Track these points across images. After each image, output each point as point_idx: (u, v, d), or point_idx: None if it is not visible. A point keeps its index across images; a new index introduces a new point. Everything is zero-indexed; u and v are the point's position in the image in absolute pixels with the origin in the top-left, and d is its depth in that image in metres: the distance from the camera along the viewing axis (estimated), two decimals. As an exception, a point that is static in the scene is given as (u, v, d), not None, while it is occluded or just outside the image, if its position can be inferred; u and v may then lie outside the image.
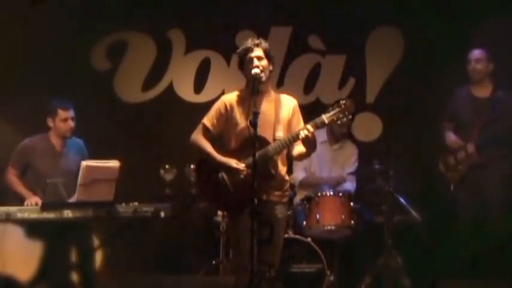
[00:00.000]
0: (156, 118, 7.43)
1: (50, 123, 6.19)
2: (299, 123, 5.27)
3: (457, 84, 6.76)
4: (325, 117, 5.08)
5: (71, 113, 6.17)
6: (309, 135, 5.03)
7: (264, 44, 5.27)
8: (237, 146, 5.24)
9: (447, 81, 6.96)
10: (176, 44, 7.52)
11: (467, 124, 6.53)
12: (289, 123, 5.27)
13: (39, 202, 5.87)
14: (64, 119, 6.15)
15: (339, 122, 5.14)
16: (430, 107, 7.15)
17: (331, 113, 5.08)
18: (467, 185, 6.49)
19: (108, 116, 7.29)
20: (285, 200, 5.33)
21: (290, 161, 5.51)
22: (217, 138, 5.33)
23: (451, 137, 6.63)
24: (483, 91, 6.58)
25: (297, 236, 6.40)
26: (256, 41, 5.26)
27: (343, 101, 5.10)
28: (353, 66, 7.46)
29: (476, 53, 6.54)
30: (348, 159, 6.95)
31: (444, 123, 6.72)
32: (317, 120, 5.08)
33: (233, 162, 5.16)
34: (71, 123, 6.16)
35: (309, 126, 5.06)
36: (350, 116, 5.12)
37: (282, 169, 5.30)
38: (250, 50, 5.22)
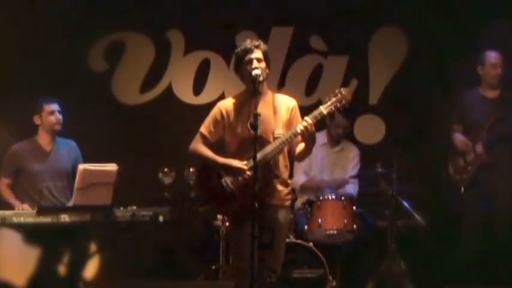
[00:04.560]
0: (155, 120, 7.38)
1: (37, 120, 6.24)
2: (299, 123, 5.20)
3: (461, 85, 6.72)
4: (323, 108, 5.06)
5: (56, 106, 6.23)
6: (308, 126, 4.98)
7: (263, 46, 5.24)
8: (237, 149, 5.20)
9: (451, 83, 6.92)
10: (175, 45, 7.46)
11: (476, 125, 6.47)
12: (288, 124, 5.23)
13: (28, 209, 5.88)
14: (51, 112, 6.21)
15: (337, 111, 5.16)
16: (433, 108, 7.11)
17: (329, 103, 5.07)
18: (477, 187, 6.42)
19: (106, 118, 7.25)
20: (287, 203, 5.31)
21: (291, 163, 5.46)
22: (216, 145, 5.29)
23: (459, 138, 6.56)
24: (493, 92, 6.52)
25: (299, 241, 6.33)
26: (256, 43, 5.23)
27: (340, 90, 5.09)
28: (355, 68, 7.39)
29: (495, 57, 6.46)
30: (350, 161, 6.88)
31: (453, 127, 6.64)
32: (315, 112, 5.06)
33: (235, 162, 5.13)
34: (58, 115, 6.22)
35: (307, 118, 5.04)
36: (348, 105, 5.09)
37: (285, 171, 5.26)
38: (250, 51, 5.19)
